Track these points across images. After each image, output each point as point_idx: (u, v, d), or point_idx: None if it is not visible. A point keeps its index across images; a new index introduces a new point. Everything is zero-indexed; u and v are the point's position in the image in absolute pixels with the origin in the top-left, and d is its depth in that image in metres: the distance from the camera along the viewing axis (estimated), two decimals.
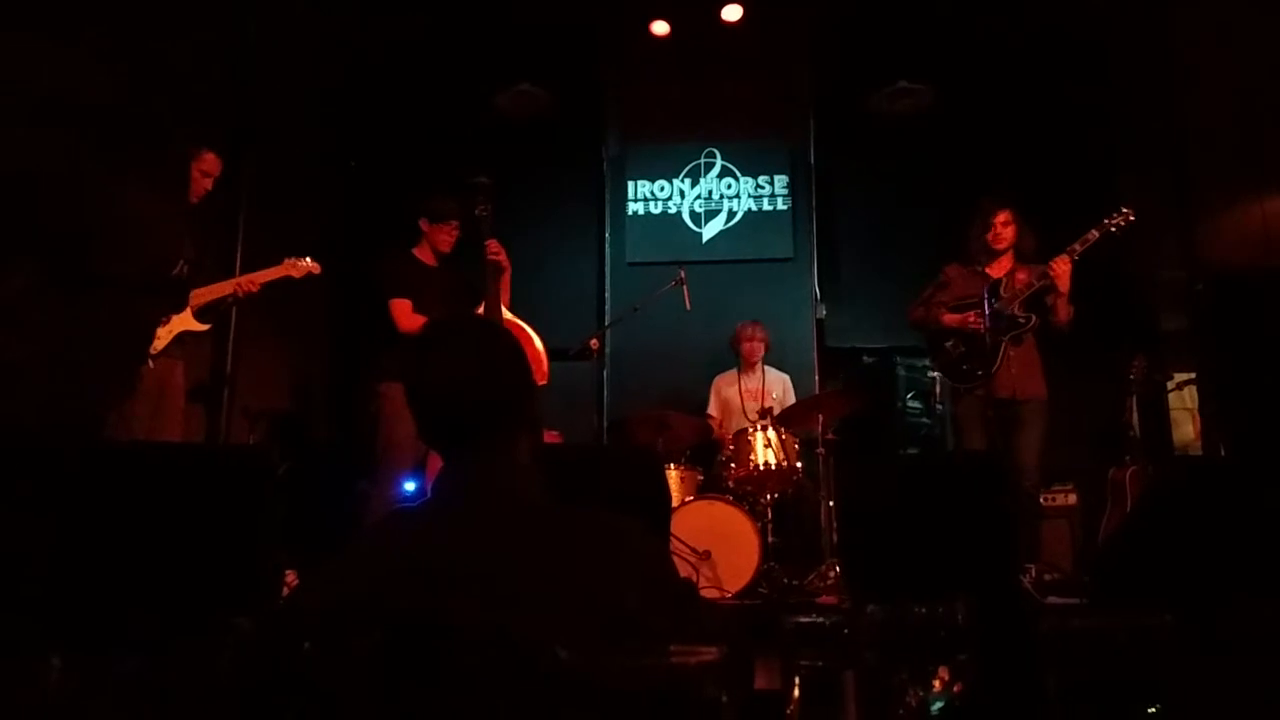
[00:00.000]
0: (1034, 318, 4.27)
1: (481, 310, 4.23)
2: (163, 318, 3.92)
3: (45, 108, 3.88)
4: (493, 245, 4.26)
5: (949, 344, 4.39)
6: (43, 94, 3.85)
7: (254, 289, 4.17)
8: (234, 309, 4.54)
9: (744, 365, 5.41)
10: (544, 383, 4.37)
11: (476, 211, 4.27)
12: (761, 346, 5.37)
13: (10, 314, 3.68)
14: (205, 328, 4.11)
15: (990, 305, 4.19)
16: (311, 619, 1.23)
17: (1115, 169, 5.88)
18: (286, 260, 4.28)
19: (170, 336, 3.97)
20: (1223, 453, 4.71)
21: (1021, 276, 4.31)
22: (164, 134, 4.19)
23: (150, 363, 3.88)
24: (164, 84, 4.40)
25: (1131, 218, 4.16)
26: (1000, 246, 4.40)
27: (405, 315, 4.26)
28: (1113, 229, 4.16)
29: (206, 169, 4.10)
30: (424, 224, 4.46)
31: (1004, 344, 4.24)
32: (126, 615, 1.97)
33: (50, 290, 3.75)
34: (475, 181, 4.31)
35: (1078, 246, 4.17)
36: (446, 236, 4.45)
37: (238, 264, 4.48)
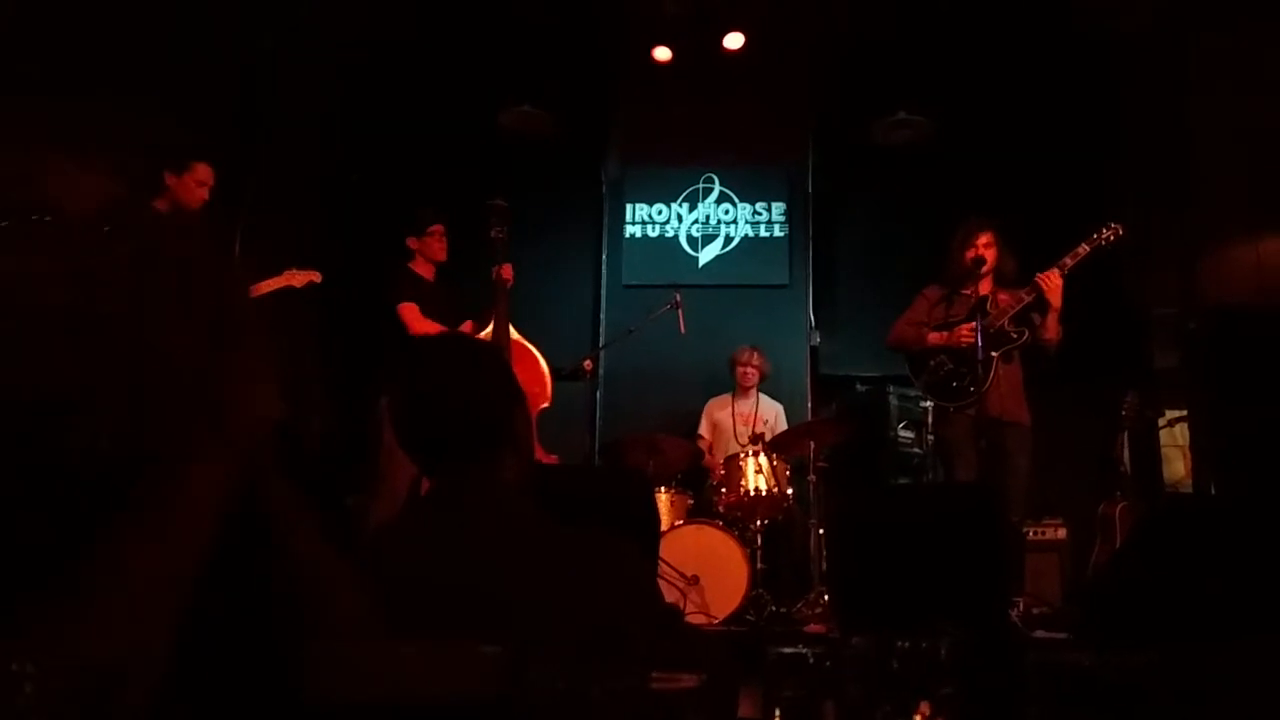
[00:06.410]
0: (1026, 332, 4.23)
1: (490, 327, 4.26)
2: None
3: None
4: (507, 270, 4.31)
5: (933, 362, 4.34)
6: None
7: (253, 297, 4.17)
8: None
9: (738, 389, 5.40)
10: (547, 404, 4.38)
11: (492, 235, 4.29)
12: (755, 374, 5.35)
13: (8, 294, 3.69)
14: None
15: (980, 321, 4.18)
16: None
17: (1114, 205, 5.91)
18: (287, 270, 4.27)
19: None
20: (1213, 490, 4.70)
21: (1004, 298, 4.28)
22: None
23: None
24: (169, 94, 4.42)
25: (1121, 232, 4.14)
26: (982, 268, 4.33)
27: (416, 319, 4.26)
28: (1102, 243, 4.15)
29: (201, 179, 4.09)
30: (412, 242, 4.47)
31: (995, 360, 4.22)
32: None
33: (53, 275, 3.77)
34: (491, 204, 4.32)
35: (1068, 260, 4.14)
36: (437, 243, 4.45)
37: None
